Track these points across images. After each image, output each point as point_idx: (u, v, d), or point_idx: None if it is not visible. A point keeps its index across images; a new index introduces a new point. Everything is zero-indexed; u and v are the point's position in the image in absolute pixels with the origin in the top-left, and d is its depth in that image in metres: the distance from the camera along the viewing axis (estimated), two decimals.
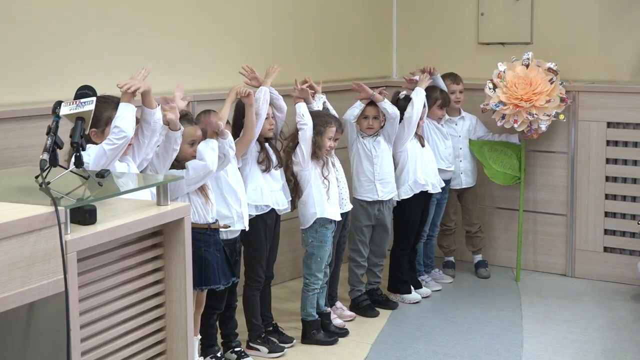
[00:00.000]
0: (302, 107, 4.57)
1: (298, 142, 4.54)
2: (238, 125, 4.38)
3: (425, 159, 5.26)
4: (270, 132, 4.48)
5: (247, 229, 4.25)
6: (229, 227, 4.12)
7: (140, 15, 4.74)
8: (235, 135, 4.32)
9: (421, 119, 5.22)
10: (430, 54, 6.53)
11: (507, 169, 5.74)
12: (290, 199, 4.56)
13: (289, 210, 4.57)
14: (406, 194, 5.18)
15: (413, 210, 5.24)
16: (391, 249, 5.34)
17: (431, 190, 5.26)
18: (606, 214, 5.70)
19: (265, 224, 4.43)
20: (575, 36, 5.93)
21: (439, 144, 5.52)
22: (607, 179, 5.68)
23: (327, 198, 4.60)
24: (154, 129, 3.60)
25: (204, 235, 3.95)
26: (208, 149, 3.92)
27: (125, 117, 3.40)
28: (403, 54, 6.70)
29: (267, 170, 4.43)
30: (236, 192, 4.19)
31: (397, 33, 6.70)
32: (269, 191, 4.42)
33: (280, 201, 4.48)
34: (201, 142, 3.96)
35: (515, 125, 5.45)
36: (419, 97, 5.16)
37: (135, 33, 4.70)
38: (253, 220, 4.36)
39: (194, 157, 3.96)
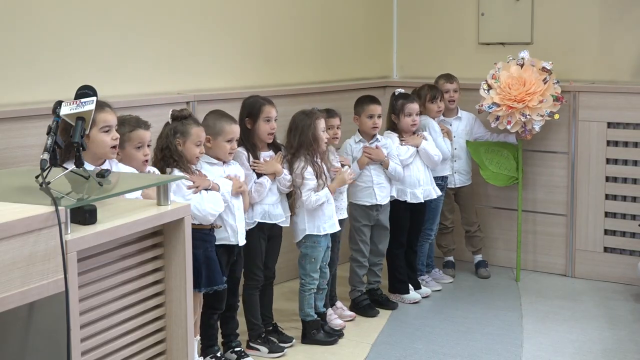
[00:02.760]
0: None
1: (301, 158, 4.54)
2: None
3: (410, 168, 5.23)
4: (270, 138, 4.46)
5: (239, 243, 4.21)
6: (220, 226, 4.11)
7: (141, 15, 4.74)
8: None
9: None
10: (430, 54, 6.54)
11: (504, 169, 5.73)
12: (290, 213, 4.56)
13: (287, 224, 4.56)
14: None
15: (402, 210, 5.23)
16: (386, 250, 5.34)
17: (409, 200, 5.20)
18: (606, 214, 5.70)
19: (262, 224, 4.43)
20: (576, 36, 5.93)
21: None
22: (607, 179, 5.68)
23: (322, 214, 4.59)
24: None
25: (209, 235, 3.97)
26: (205, 203, 3.94)
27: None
28: (403, 54, 6.70)
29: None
30: (232, 207, 4.17)
31: (397, 33, 6.70)
32: (267, 206, 4.42)
33: (278, 214, 4.46)
34: (200, 191, 3.96)
35: (509, 127, 5.44)
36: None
37: (136, 33, 4.70)
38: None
39: (198, 158, 4.01)
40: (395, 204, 5.19)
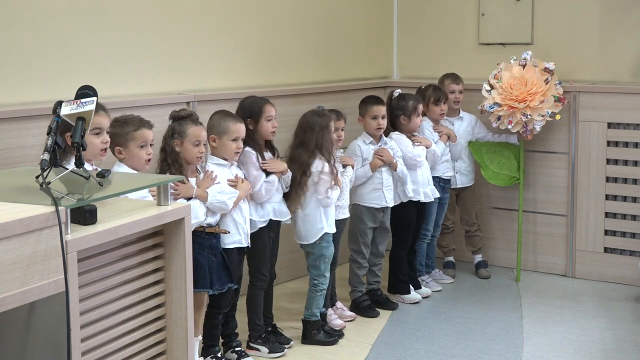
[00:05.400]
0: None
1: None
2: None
3: (422, 168, 5.24)
4: (273, 136, 4.44)
5: (249, 245, 4.26)
6: (228, 232, 4.11)
7: (141, 15, 4.73)
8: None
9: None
10: (431, 55, 6.54)
11: (505, 169, 5.73)
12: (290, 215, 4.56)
13: (290, 221, 4.56)
14: (395, 202, 5.16)
15: (409, 211, 5.24)
16: (390, 250, 5.34)
17: (423, 200, 5.24)
18: (606, 215, 5.70)
19: (268, 224, 4.44)
20: (576, 36, 5.93)
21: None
22: (608, 179, 5.68)
23: (329, 214, 4.61)
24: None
25: (198, 238, 3.94)
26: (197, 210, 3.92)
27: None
28: (403, 54, 6.70)
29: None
30: (242, 209, 4.20)
31: (398, 33, 6.70)
32: (268, 204, 4.42)
33: (280, 211, 4.47)
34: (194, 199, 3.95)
35: (510, 127, 5.45)
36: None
37: (136, 33, 4.70)
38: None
39: (199, 157, 3.99)
40: (404, 204, 5.19)
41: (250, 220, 4.35)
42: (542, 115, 5.39)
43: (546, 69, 5.42)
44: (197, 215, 3.94)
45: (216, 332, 4.24)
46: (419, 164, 5.21)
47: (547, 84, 5.39)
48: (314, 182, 4.52)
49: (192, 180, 4.00)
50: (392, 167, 5.05)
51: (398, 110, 5.19)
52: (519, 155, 5.70)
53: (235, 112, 4.38)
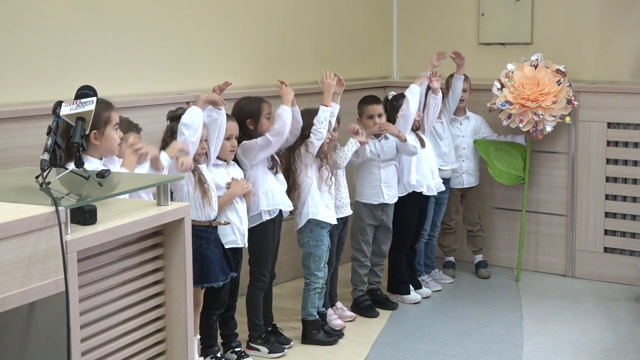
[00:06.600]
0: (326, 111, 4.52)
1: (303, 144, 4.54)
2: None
3: (422, 159, 5.24)
4: None
5: (246, 245, 4.23)
6: (228, 223, 4.12)
7: (141, 15, 4.74)
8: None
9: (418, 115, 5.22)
10: (431, 54, 6.49)
11: (512, 169, 5.74)
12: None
13: (289, 212, 4.57)
14: (400, 193, 5.17)
15: (410, 211, 5.24)
16: (390, 251, 5.34)
17: (425, 192, 5.24)
18: (606, 215, 5.71)
19: (273, 224, 4.43)
20: (576, 36, 5.93)
21: (438, 141, 5.52)
22: (608, 179, 5.68)
23: (323, 202, 4.60)
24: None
25: (206, 232, 3.96)
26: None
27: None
28: (403, 54, 6.70)
29: (275, 172, 4.43)
30: (238, 210, 4.19)
31: (398, 33, 6.70)
32: (279, 193, 4.42)
33: (286, 202, 4.47)
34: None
35: (521, 125, 5.46)
36: (412, 94, 5.08)
37: (135, 33, 4.70)
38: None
39: (201, 154, 4.00)
40: (404, 204, 5.19)
41: (260, 212, 4.36)
42: (554, 116, 5.40)
43: (558, 70, 5.43)
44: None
45: (212, 332, 4.24)
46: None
47: (559, 85, 5.40)
48: (306, 160, 4.53)
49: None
50: (401, 138, 4.98)
51: (393, 111, 5.20)
52: (526, 155, 5.70)
53: (231, 113, 4.38)
